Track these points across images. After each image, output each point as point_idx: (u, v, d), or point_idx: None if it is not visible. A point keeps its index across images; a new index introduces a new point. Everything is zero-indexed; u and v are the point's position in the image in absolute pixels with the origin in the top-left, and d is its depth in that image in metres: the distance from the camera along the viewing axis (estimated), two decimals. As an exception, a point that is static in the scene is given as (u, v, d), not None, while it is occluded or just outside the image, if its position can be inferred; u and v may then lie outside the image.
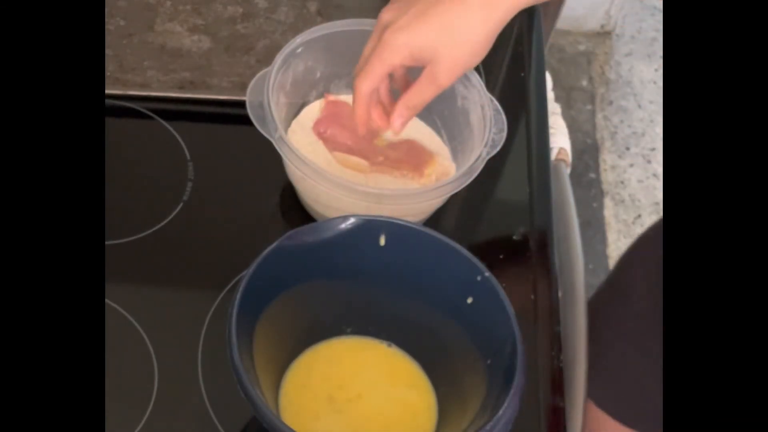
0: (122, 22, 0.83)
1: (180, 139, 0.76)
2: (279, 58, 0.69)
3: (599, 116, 1.97)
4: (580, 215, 0.86)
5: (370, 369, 0.63)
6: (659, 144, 1.92)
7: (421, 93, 0.63)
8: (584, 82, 2.01)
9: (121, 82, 0.78)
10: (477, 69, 0.76)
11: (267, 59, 0.76)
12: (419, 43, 0.60)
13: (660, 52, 2.09)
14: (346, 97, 0.76)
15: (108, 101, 0.77)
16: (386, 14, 0.63)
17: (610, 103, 1.99)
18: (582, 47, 2.08)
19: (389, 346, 0.63)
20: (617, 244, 1.76)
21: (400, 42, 0.60)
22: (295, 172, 0.66)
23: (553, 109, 0.88)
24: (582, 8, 2.03)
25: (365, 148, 0.73)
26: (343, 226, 0.58)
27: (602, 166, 1.88)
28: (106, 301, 0.65)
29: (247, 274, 0.54)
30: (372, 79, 0.62)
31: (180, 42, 0.82)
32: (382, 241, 0.59)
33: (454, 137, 0.74)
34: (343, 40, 0.73)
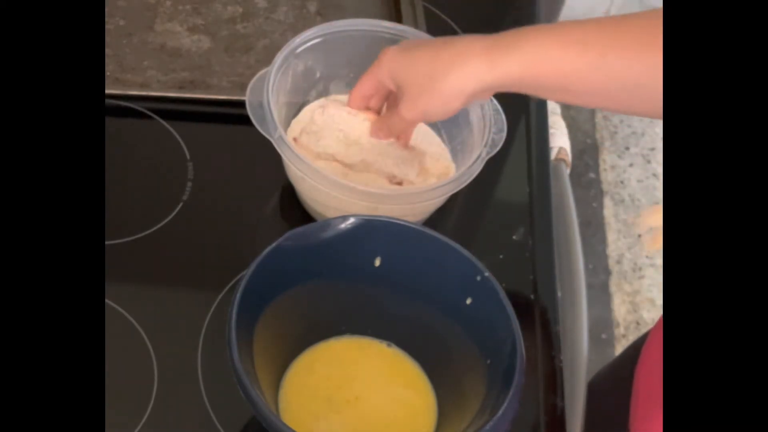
0: (122, 22, 0.83)
1: (180, 139, 0.76)
2: (279, 58, 0.69)
3: (599, 116, 1.97)
4: (580, 215, 0.86)
5: (370, 369, 0.63)
6: (659, 144, 1.92)
7: (389, 117, 0.68)
8: (584, 82, 2.01)
9: (120, 82, 0.78)
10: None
11: (267, 59, 0.76)
12: (396, 69, 0.64)
13: (660, 52, 2.08)
14: (346, 98, 0.76)
15: (108, 101, 0.77)
16: (406, 41, 0.67)
17: (610, 102, 1.98)
18: (582, 47, 2.08)
19: (389, 346, 0.63)
20: (617, 244, 1.76)
21: (384, 58, 0.64)
22: (295, 172, 0.66)
23: (553, 108, 0.88)
24: (582, 8, 2.03)
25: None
26: (342, 226, 0.58)
27: (602, 165, 1.88)
28: (106, 301, 0.65)
29: (246, 274, 0.54)
30: (363, 84, 0.68)
31: (180, 42, 0.82)
32: (377, 263, 0.59)
33: (454, 137, 0.74)
34: (342, 40, 0.73)
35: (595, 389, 0.78)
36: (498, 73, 0.59)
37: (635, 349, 0.79)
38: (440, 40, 0.64)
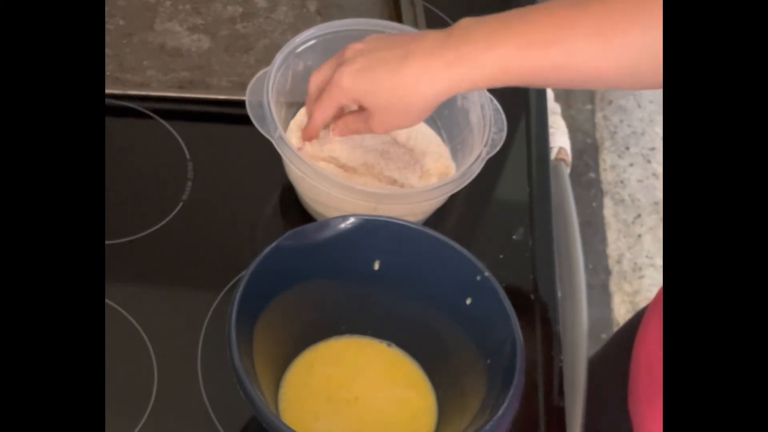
0: (122, 21, 0.83)
1: (179, 139, 0.76)
2: (278, 58, 0.69)
3: (599, 116, 1.97)
4: (580, 215, 0.86)
5: (370, 369, 0.63)
6: (659, 144, 1.92)
7: (357, 124, 0.67)
8: (584, 82, 2.01)
9: (120, 82, 0.78)
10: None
11: (266, 59, 0.76)
12: (360, 91, 0.63)
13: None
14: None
15: (108, 101, 0.77)
16: (355, 46, 0.65)
17: (610, 102, 1.99)
18: (582, 47, 2.08)
19: (389, 346, 0.63)
20: (617, 244, 1.76)
21: (344, 84, 0.63)
22: (295, 172, 0.66)
23: (553, 108, 0.88)
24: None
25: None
26: (342, 225, 0.58)
27: (602, 165, 1.88)
28: (106, 301, 0.65)
29: (246, 274, 0.54)
30: (324, 112, 0.66)
31: (179, 42, 0.82)
32: (377, 266, 0.59)
33: (454, 137, 0.74)
34: (342, 40, 0.72)
35: (591, 371, 0.78)
36: (464, 86, 0.60)
37: (632, 327, 0.79)
38: (393, 45, 0.62)
